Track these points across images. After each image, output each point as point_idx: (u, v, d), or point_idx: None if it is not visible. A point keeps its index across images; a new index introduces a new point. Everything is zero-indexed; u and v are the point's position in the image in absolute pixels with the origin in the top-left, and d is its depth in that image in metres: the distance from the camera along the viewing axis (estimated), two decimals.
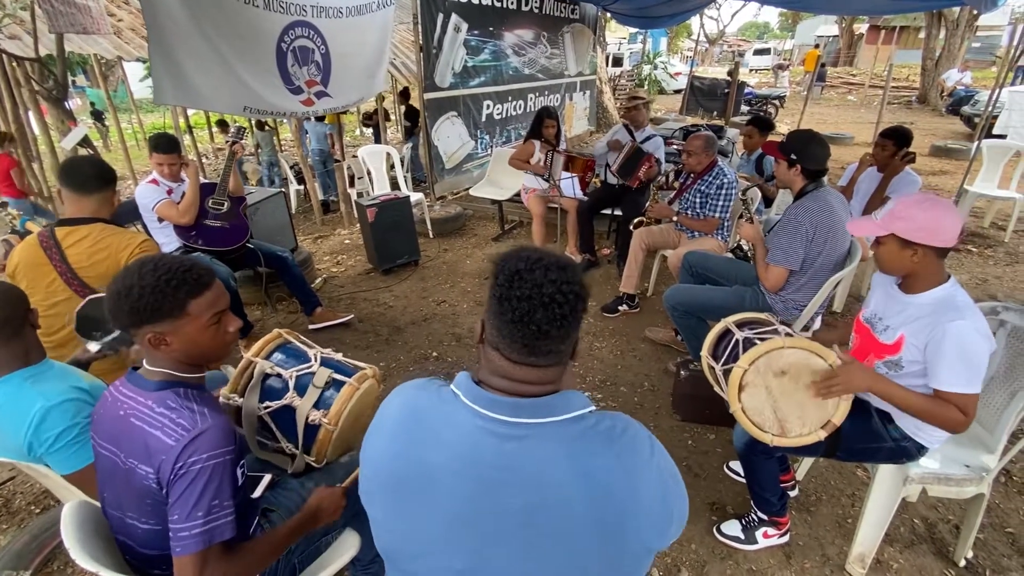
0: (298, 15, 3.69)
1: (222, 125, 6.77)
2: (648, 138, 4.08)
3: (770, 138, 3.51)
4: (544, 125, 4.09)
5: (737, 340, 1.65)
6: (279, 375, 1.36)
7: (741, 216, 2.44)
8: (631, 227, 3.44)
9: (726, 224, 3.27)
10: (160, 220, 2.83)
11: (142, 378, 1.06)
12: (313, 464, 1.37)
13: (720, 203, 3.15)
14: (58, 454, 1.24)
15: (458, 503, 0.76)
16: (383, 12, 4.46)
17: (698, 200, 3.23)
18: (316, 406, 1.32)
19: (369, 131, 9.47)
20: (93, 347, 1.57)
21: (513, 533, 0.74)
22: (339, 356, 1.47)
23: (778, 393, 1.50)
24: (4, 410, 1.24)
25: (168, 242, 2.86)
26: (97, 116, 10.75)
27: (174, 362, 1.06)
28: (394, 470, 0.80)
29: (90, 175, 1.88)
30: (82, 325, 1.58)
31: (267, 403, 1.33)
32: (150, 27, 2.91)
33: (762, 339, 1.57)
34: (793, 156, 2.20)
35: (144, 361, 1.07)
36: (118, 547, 1.12)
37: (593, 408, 0.81)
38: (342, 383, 1.36)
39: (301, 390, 1.34)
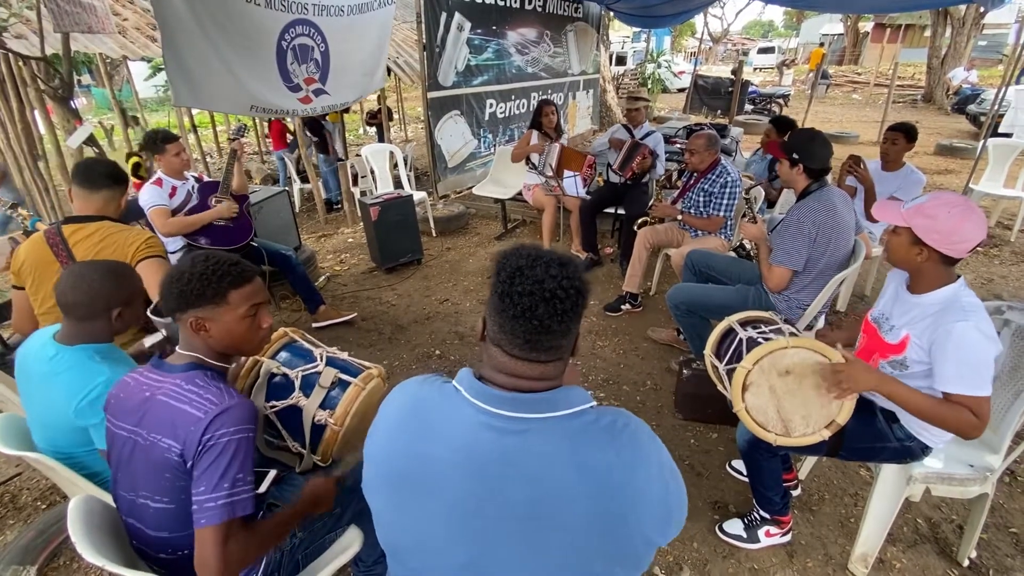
0: (299, 13, 3.69)
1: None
2: (647, 135, 4.09)
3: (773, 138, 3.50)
4: (543, 114, 4.17)
5: (741, 339, 1.65)
6: (285, 375, 1.36)
7: (744, 216, 2.43)
8: (635, 227, 3.45)
9: (729, 223, 3.26)
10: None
11: (169, 363, 1.12)
12: (319, 463, 1.38)
13: (724, 201, 3.15)
14: None
15: (460, 497, 0.76)
16: (384, 11, 4.46)
17: (702, 199, 3.23)
18: (322, 406, 1.33)
19: (372, 130, 9.49)
20: (148, 341, 1.62)
21: (515, 527, 0.75)
22: (345, 355, 1.48)
23: (782, 393, 1.50)
24: (68, 374, 1.30)
25: (172, 240, 2.87)
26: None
27: (208, 349, 1.14)
28: (396, 465, 0.81)
29: (101, 173, 1.95)
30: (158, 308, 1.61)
31: (273, 402, 1.34)
32: (162, 29, 2.93)
33: (766, 338, 1.56)
34: (795, 155, 2.19)
35: (177, 348, 1.15)
36: (127, 531, 1.14)
37: (594, 404, 0.82)
38: (348, 383, 1.36)
39: (307, 390, 1.35)
